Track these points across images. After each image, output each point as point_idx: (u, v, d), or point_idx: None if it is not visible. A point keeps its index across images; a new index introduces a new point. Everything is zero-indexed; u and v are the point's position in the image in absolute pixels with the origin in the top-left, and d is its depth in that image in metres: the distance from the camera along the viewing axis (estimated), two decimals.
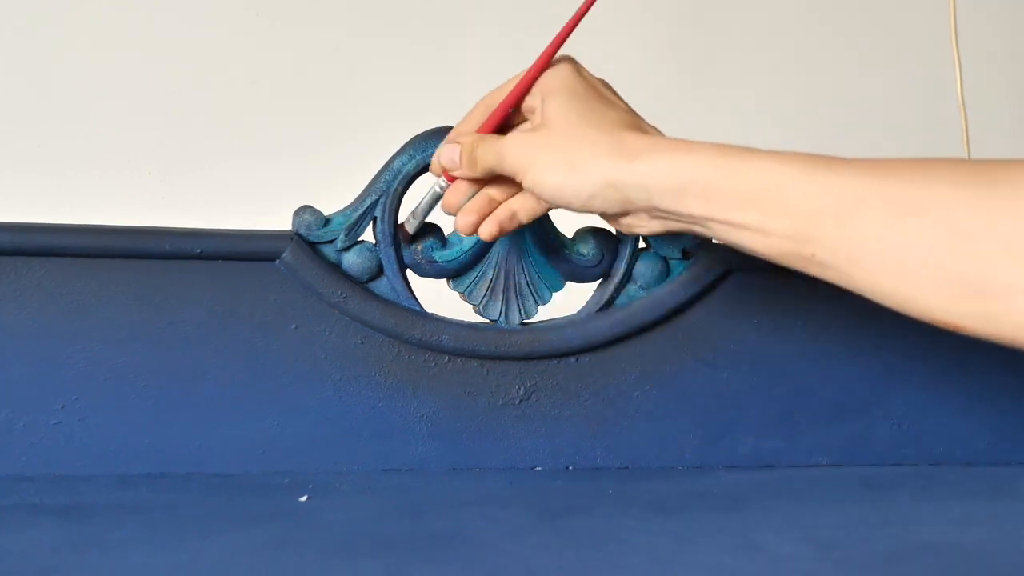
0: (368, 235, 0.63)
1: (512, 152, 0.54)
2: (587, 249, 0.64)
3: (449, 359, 0.63)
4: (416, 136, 0.63)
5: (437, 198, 0.59)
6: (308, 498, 0.56)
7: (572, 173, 0.52)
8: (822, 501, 0.59)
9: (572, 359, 0.65)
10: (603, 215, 0.55)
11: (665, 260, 0.65)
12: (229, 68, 1.02)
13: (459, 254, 0.63)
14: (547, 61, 0.56)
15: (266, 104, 1.03)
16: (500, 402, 0.64)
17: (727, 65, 1.12)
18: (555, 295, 0.65)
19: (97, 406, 0.60)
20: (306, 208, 0.62)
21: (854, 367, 0.68)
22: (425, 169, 0.62)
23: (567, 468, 0.65)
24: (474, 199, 0.57)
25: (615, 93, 0.57)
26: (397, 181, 0.62)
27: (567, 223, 0.63)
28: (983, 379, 0.69)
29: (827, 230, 0.47)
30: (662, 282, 0.65)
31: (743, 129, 1.09)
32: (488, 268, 0.64)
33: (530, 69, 0.56)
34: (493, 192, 0.57)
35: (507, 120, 0.57)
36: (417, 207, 0.61)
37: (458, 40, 1.06)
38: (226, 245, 0.61)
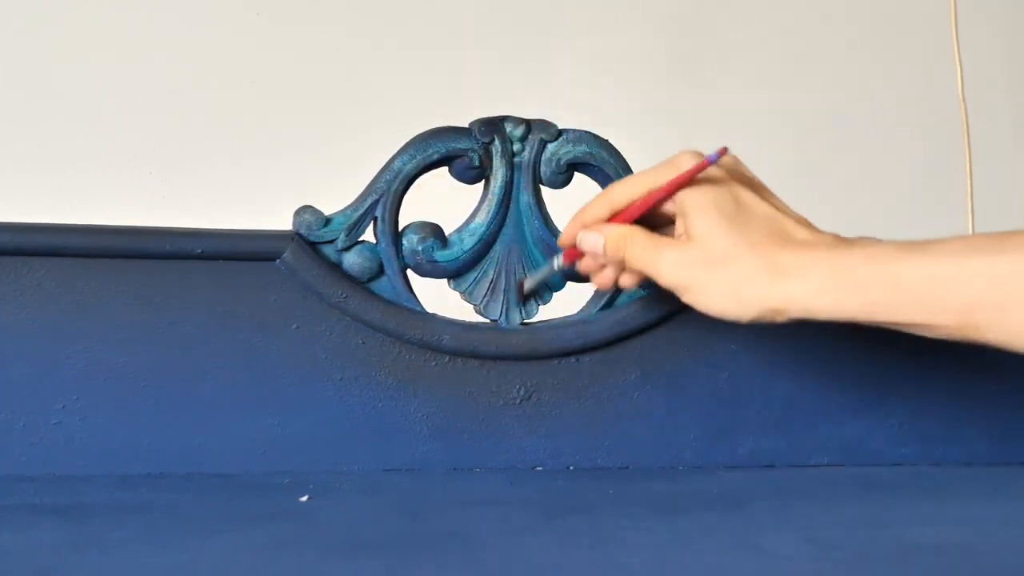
0: (369, 235, 0.63)
1: (668, 271, 0.55)
2: None
3: (450, 359, 0.63)
4: (416, 136, 0.63)
5: (556, 270, 0.62)
6: (308, 498, 0.56)
7: (734, 302, 0.54)
8: (822, 501, 0.59)
9: (572, 359, 0.65)
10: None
11: None
12: (229, 68, 1.02)
13: (460, 254, 0.63)
14: (691, 177, 0.55)
15: (266, 104, 1.03)
16: (500, 402, 0.64)
17: (726, 65, 1.12)
18: (555, 295, 0.65)
19: (97, 406, 0.60)
20: (306, 208, 0.62)
21: (854, 367, 0.68)
22: (425, 169, 0.62)
23: (567, 468, 0.65)
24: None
25: (760, 189, 0.57)
26: (397, 181, 0.62)
27: (567, 222, 0.63)
28: (983, 379, 0.69)
29: (991, 316, 0.48)
30: None
31: (742, 129, 1.09)
32: (489, 268, 0.63)
33: (676, 178, 0.55)
34: None
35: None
36: (537, 274, 0.63)
37: (457, 40, 1.06)
38: (226, 245, 0.61)
